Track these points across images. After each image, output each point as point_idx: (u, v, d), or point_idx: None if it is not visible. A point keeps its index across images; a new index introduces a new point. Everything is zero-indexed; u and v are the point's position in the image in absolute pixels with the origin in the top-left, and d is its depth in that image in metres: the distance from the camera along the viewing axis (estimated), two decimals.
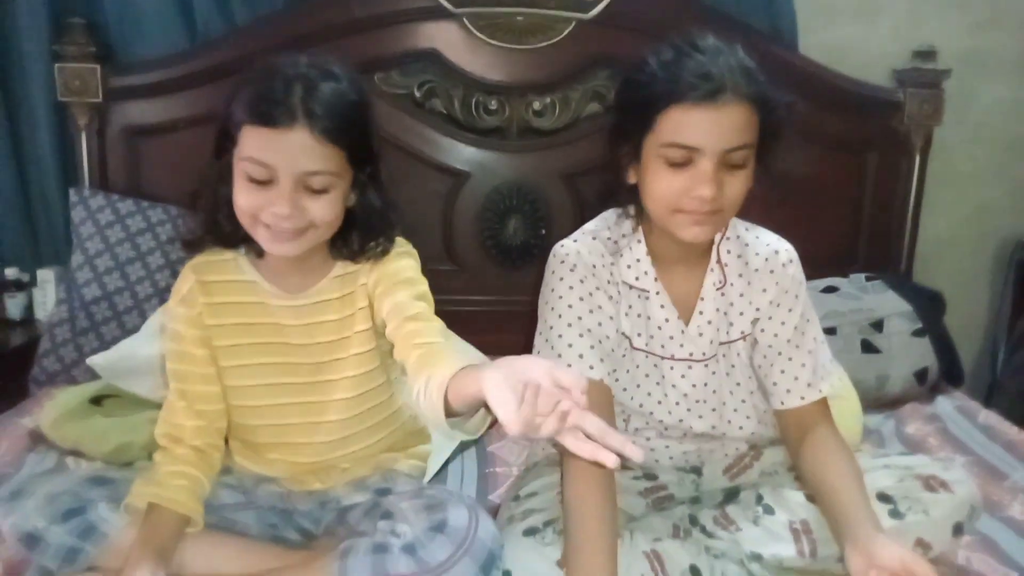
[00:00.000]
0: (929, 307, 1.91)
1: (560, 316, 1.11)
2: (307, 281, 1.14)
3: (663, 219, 1.08)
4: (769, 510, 1.11)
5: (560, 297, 1.12)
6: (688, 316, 1.16)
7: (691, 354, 1.17)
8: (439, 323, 1.08)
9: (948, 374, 1.94)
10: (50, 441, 1.47)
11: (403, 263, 1.15)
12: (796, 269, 1.17)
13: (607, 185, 1.15)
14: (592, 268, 1.13)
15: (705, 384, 1.18)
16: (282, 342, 1.14)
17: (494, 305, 2.09)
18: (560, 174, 2.08)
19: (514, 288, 2.09)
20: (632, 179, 1.10)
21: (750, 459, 1.23)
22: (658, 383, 1.18)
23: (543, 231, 2.09)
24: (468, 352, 1.19)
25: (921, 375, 1.85)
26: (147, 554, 0.98)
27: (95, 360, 1.50)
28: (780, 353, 1.16)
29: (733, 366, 1.19)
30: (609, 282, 1.14)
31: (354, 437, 1.18)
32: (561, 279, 1.13)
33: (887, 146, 2.13)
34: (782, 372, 1.16)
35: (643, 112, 1.03)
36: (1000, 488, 1.42)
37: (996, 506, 1.34)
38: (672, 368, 1.17)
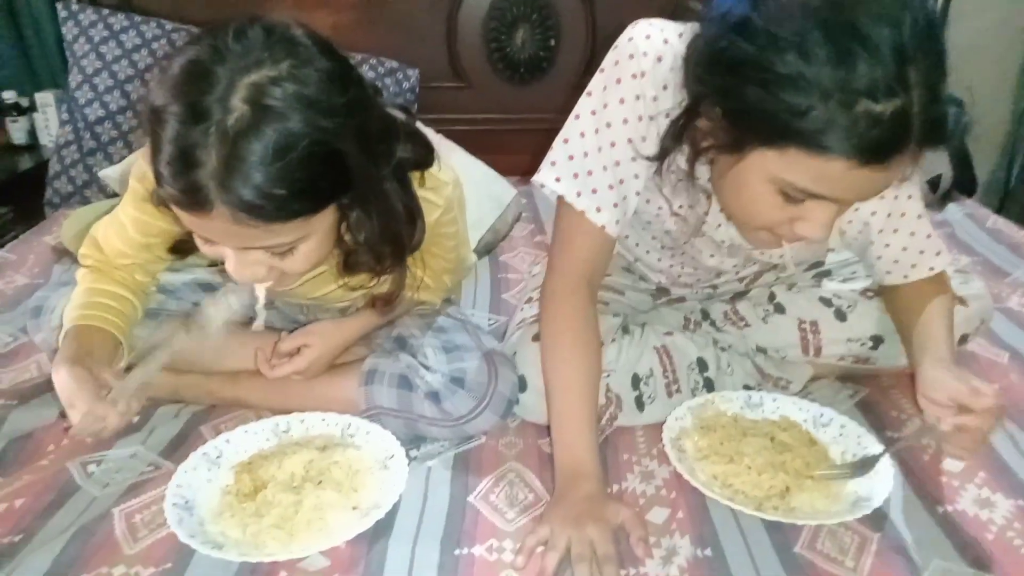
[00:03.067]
0: None
1: (597, 131, 0.91)
2: None
3: (739, 223, 0.90)
4: (780, 309, 1.11)
5: (606, 106, 0.90)
6: None
7: (723, 241, 1.02)
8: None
9: (961, 183, 1.92)
10: (73, 254, 1.50)
11: (449, 230, 1.04)
12: None
13: (665, 143, 0.87)
14: (663, 89, 0.88)
15: (745, 256, 1.07)
16: None
17: (502, 123, 2.05)
18: None
19: (523, 104, 2.05)
20: (710, 155, 0.84)
21: (765, 268, 1.19)
22: (690, 241, 1.05)
23: (553, 42, 2.01)
24: None
25: (934, 183, 1.84)
26: (79, 366, 0.87)
27: (107, 172, 1.50)
28: (873, 241, 1.01)
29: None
30: (668, 116, 0.88)
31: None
32: (618, 80, 0.89)
33: None
34: (879, 258, 1.02)
35: (766, 129, 0.74)
36: (1001, 283, 1.47)
37: (996, 298, 1.37)
38: (709, 245, 1.05)
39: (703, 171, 0.90)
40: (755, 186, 0.79)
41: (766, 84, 0.70)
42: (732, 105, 0.76)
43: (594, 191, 0.93)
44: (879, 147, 0.69)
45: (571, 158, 0.93)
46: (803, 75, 0.68)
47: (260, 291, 0.89)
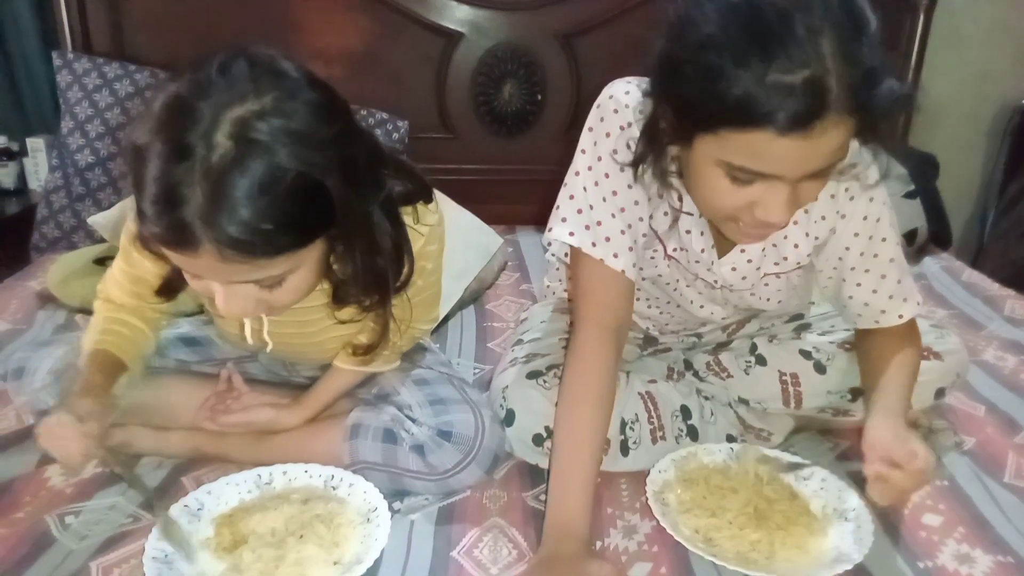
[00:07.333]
0: (922, 169, 1.92)
1: (597, 184, 0.96)
2: None
3: (710, 217, 0.96)
4: (761, 360, 1.12)
5: (600, 159, 0.96)
6: (725, 248, 1.01)
7: (716, 282, 1.06)
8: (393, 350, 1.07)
9: (937, 237, 1.97)
10: (58, 300, 1.50)
11: (428, 265, 0.99)
12: (857, 186, 0.96)
13: (641, 149, 0.93)
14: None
15: (734, 305, 1.12)
16: None
17: (489, 174, 2.08)
18: (557, 35, 2.03)
19: (509, 157, 2.09)
20: (674, 152, 0.90)
21: (749, 317, 1.23)
22: (679, 289, 1.10)
23: (539, 97, 2.06)
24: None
25: (910, 236, 1.89)
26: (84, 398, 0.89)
27: (96, 219, 1.50)
28: (844, 280, 1.03)
29: (768, 286, 1.08)
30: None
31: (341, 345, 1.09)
32: (607, 134, 0.96)
33: (891, 3, 2.06)
34: (850, 297, 1.04)
35: (700, 116, 0.79)
36: (977, 336, 1.49)
37: (972, 351, 1.40)
38: (700, 293, 1.10)
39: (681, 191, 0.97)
40: (705, 173, 0.84)
41: (695, 77, 0.77)
42: (675, 101, 0.83)
43: (607, 239, 0.96)
44: (796, 114, 0.73)
45: (580, 212, 0.97)
46: (723, 63, 0.75)
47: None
